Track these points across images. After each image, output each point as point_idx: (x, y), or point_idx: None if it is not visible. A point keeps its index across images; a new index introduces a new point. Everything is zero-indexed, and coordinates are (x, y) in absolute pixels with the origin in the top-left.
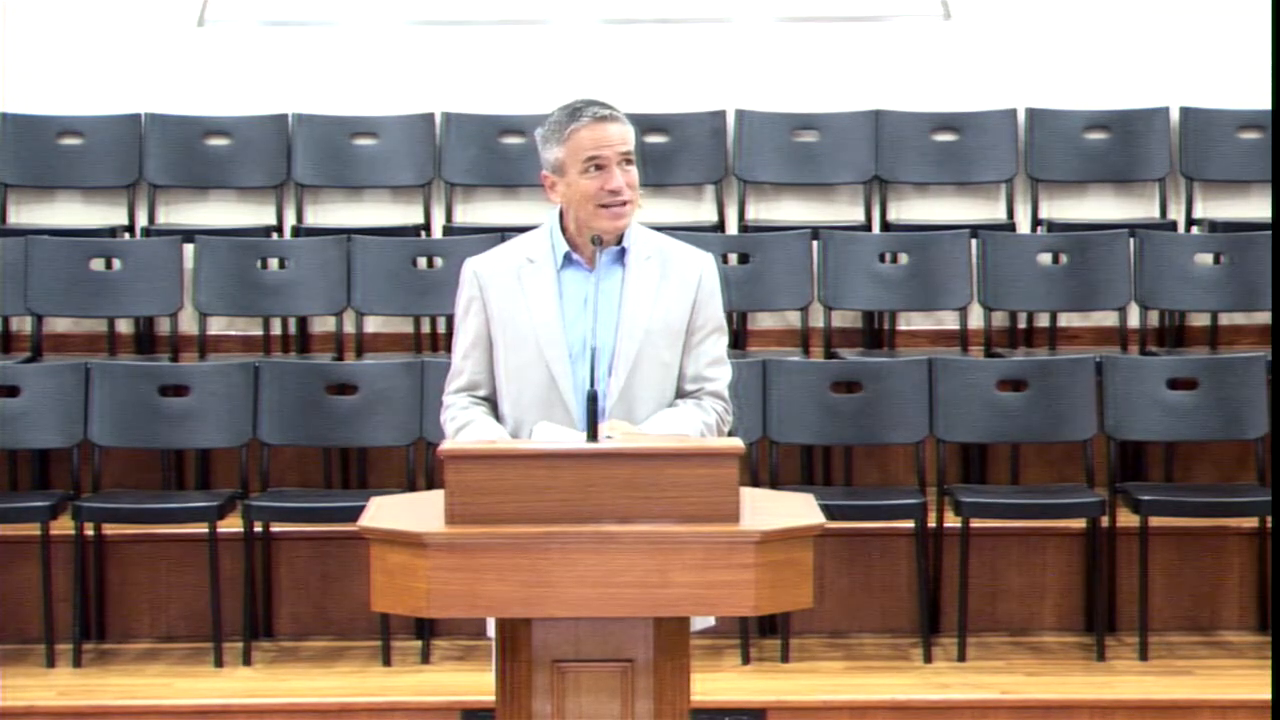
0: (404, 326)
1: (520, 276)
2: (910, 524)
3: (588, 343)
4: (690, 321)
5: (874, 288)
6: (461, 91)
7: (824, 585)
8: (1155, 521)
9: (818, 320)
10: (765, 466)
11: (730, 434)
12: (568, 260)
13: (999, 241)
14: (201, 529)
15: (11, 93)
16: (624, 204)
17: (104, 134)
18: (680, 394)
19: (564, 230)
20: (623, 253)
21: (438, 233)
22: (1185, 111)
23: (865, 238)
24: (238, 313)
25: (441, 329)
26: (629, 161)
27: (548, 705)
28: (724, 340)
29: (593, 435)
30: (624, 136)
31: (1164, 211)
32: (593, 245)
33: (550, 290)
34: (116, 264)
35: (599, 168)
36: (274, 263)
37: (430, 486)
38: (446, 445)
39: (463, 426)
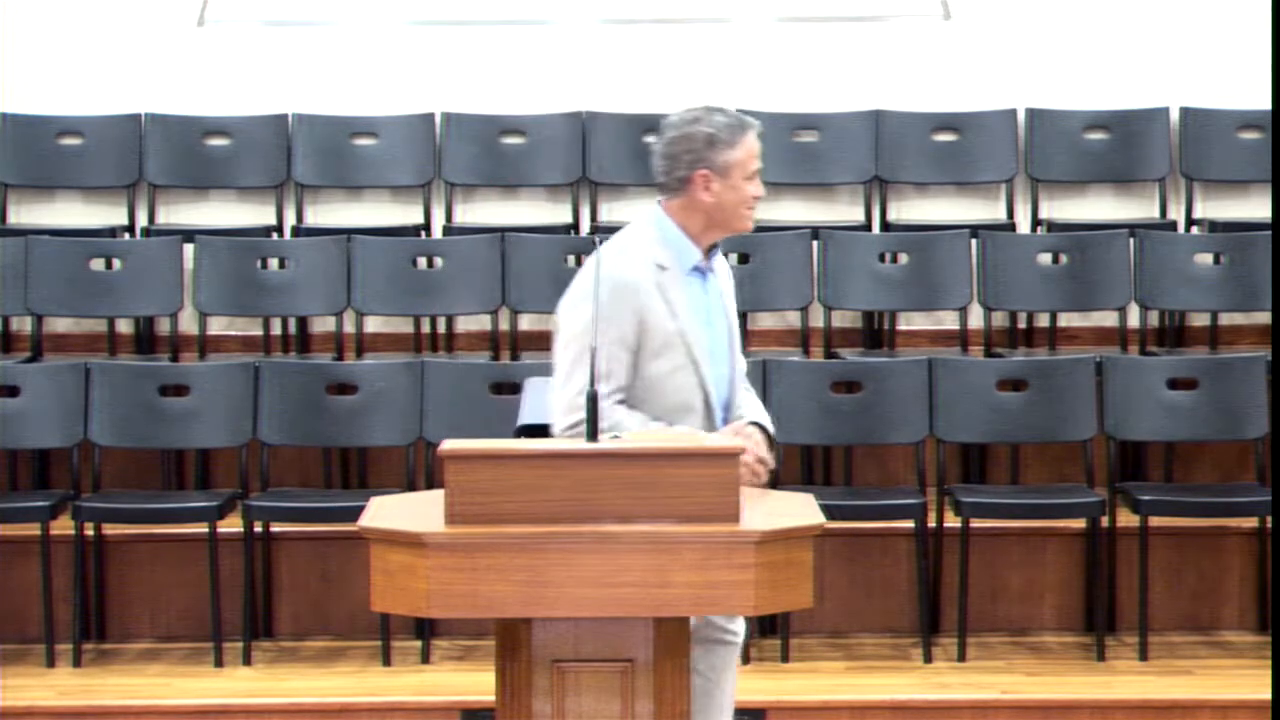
0: (404, 326)
1: (658, 284)
2: (910, 524)
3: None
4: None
5: (874, 288)
6: (461, 91)
7: (824, 585)
8: (1155, 521)
9: (818, 320)
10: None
11: None
12: (693, 267)
13: (999, 241)
14: (201, 529)
15: (11, 93)
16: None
17: (104, 134)
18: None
19: (684, 233)
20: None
21: (438, 233)
22: (1185, 111)
23: (865, 238)
24: (238, 313)
25: (441, 329)
26: None
27: (548, 705)
28: None
29: (592, 435)
30: None
31: (1164, 211)
32: (710, 250)
33: (688, 296)
34: (116, 264)
35: (752, 177)
36: (274, 263)
37: (430, 486)
38: (447, 445)
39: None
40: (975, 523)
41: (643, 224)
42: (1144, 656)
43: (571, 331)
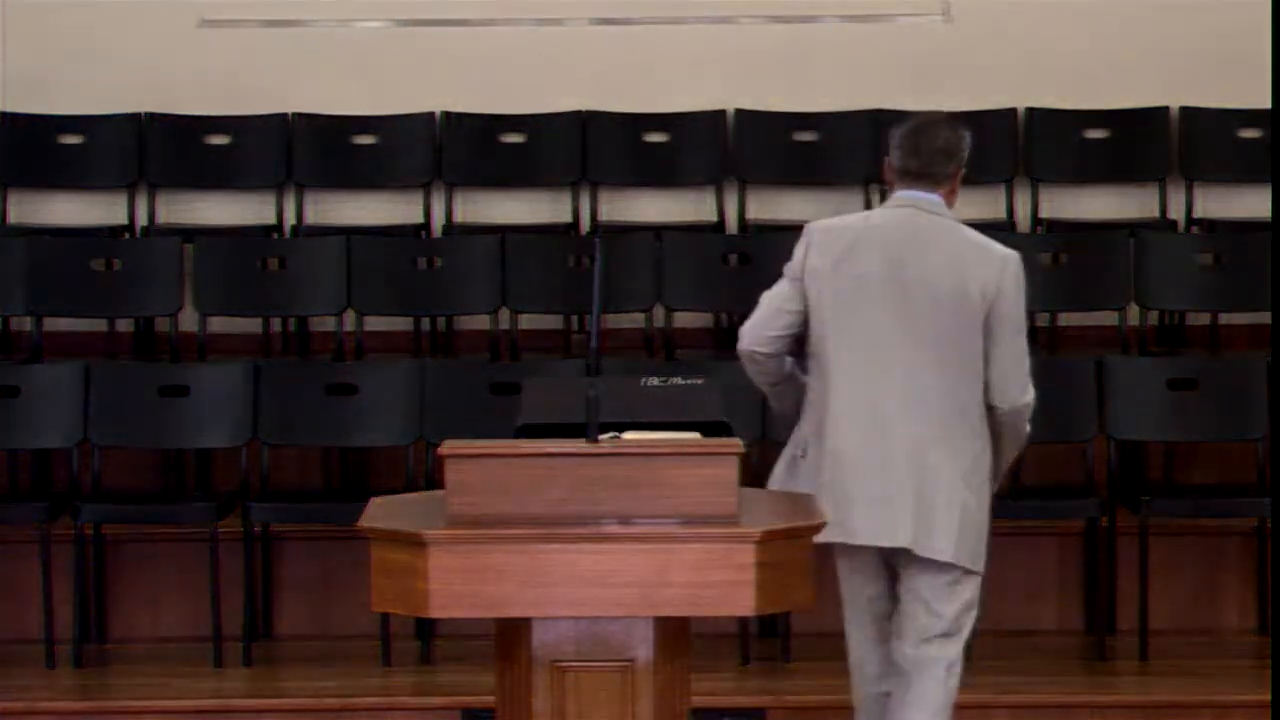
0: (404, 326)
1: None
2: None
3: None
4: None
5: None
6: (461, 91)
7: (824, 585)
8: (1155, 521)
9: None
10: (766, 467)
11: None
12: None
13: (999, 241)
14: (201, 529)
15: (11, 93)
16: None
17: (104, 134)
18: None
19: None
20: None
21: (438, 233)
22: (1185, 111)
23: None
24: (238, 313)
25: (441, 329)
26: None
27: (547, 705)
28: None
29: (593, 435)
30: None
31: (1164, 211)
32: None
33: None
34: (116, 264)
35: None
36: (274, 263)
37: (430, 486)
38: (448, 445)
39: None
40: None
41: (945, 211)
42: (1144, 656)
43: (1021, 313)
